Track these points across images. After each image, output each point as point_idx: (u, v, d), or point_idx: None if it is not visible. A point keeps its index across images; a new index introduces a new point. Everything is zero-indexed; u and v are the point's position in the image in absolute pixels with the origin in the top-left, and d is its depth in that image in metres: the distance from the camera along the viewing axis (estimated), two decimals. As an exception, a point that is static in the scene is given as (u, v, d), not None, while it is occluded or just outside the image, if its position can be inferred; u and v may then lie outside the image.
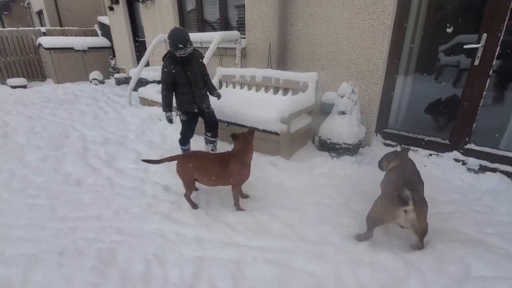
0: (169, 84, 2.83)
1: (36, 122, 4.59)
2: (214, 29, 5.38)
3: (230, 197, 2.43)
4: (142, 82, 5.98)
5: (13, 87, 7.81)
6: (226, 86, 4.17)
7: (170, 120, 3.01)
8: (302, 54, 3.89)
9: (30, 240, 2.06)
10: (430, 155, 3.24)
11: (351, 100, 3.08)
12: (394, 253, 1.87)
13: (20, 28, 8.77)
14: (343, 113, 3.12)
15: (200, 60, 2.94)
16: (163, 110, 2.97)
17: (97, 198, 2.57)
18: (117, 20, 7.95)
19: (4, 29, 8.80)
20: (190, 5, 5.71)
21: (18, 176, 2.95)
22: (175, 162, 2.35)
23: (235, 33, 4.38)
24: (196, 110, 3.00)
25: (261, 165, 3.00)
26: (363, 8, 3.17)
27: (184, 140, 3.15)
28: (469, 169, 2.96)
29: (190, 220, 2.26)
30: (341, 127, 3.12)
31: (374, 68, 3.29)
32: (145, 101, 5.47)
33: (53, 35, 8.82)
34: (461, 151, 3.08)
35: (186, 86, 2.86)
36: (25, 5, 13.95)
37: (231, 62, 4.76)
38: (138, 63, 7.40)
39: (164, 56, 2.85)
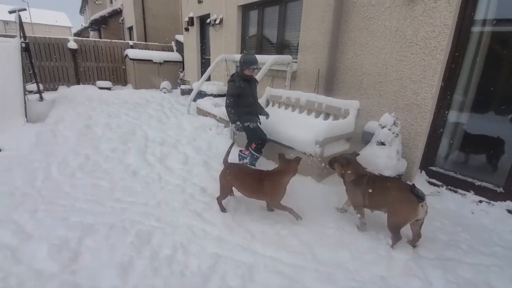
0: (236, 97, 3.28)
1: (113, 119, 5.48)
2: (271, 49, 5.80)
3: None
4: (201, 95, 6.66)
5: (100, 88, 9.39)
6: (272, 106, 4.44)
7: (240, 128, 3.36)
8: (349, 82, 3.97)
9: (90, 213, 2.54)
10: (480, 201, 2.96)
11: (391, 131, 3.04)
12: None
13: (113, 40, 10.59)
14: (382, 144, 3.09)
15: (257, 82, 3.50)
16: (233, 121, 3.34)
17: (146, 188, 3.01)
18: (190, 39, 9.05)
19: (100, 39, 10.71)
20: (252, 28, 6.28)
21: (91, 161, 3.60)
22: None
23: (287, 57, 4.68)
24: (258, 123, 3.42)
25: (291, 183, 3.12)
26: (414, 42, 3.17)
27: (261, 147, 3.44)
28: (525, 224, 2.63)
29: (217, 221, 2.50)
30: (379, 158, 3.08)
31: (423, 102, 3.20)
32: (200, 111, 6.08)
33: (138, 48, 10.40)
34: (517, 202, 2.76)
35: (251, 100, 3.35)
36: (120, 21, 16.72)
37: (281, 83, 5.06)
38: (201, 77, 8.26)
39: (232, 75, 3.35)
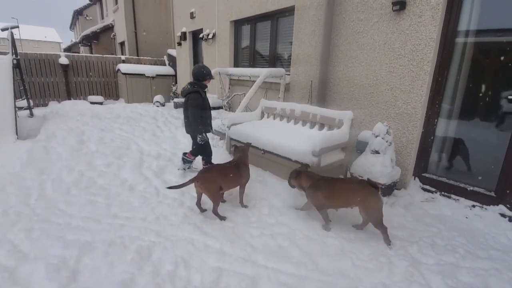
0: (201, 108, 3.45)
1: (106, 134, 5.44)
2: (264, 63, 5.93)
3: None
4: (195, 107, 6.69)
5: (92, 103, 9.32)
6: (268, 117, 4.51)
7: (204, 141, 3.55)
8: (342, 93, 4.09)
9: (87, 230, 2.49)
10: (473, 206, 3.05)
11: (385, 140, 3.13)
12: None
13: (105, 55, 10.61)
14: (377, 152, 3.17)
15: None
16: (200, 133, 3.48)
17: (144, 203, 2.98)
18: (183, 53, 9.16)
19: (92, 55, 10.71)
20: (245, 42, 6.42)
21: (86, 177, 3.55)
22: (198, 182, 2.68)
23: (280, 70, 4.80)
24: (211, 131, 3.67)
25: (290, 195, 3.15)
26: (402, 54, 3.32)
27: (211, 157, 3.69)
28: (517, 227, 2.71)
29: (217, 234, 2.48)
30: (374, 166, 3.15)
31: (413, 111, 3.32)
32: (195, 124, 6.10)
33: (130, 63, 10.45)
34: (508, 205, 2.85)
35: (208, 110, 3.54)
36: (112, 36, 16.80)
37: (275, 95, 5.16)
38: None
39: (193, 86, 3.46)
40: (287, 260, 2.19)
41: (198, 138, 3.50)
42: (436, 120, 3.34)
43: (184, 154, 3.76)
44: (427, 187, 3.47)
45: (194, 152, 3.72)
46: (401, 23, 3.32)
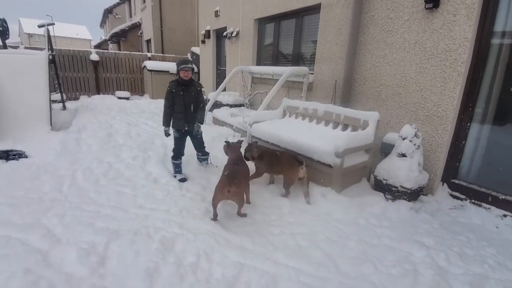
0: (170, 101, 3.36)
1: (132, 128, 5.64)
2: (286, 61, 5.89)
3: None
4: (217, 105, 6.79)
5: (119, 98, 9.70)
6: (289, 116, 4.48)
7: (167, 133, 3.52)
8: (367, 93, 3.98)
9: (115, 218, 2.61)
10: (505, 215, 2.88)
11: (413, 143, 3.02)
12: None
13: (132, 52, 11.01)
14: (403, 155, 3.06)
15: (199, 88, 3.49)
16: (163, 125, 3.47)
17: (167, 195, 3.07)
18: (206, 51, 9.31)
19: (120, 52, 11.15)
20: (268, 40, 6.42)
21: (114, 168, 3.71)
22: (230, 192, 2.55)
23: (303, 69, 4.75)
24: (186, 129, 3.48)
25: (312, 194, 3.12)
26: (434, 54, 3.18)
27: (177, 155, 3.58)
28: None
29: (238, 230, 2.51)
30: (400, 170, 3.05)
31: (444, 114, 3.18)
32: (216, 121, 6.19)
33: (156, 60, 10.76)
34: (547, 218, 2.66)
35: (179, 105, 3.37)
36: (139, 34, 17.39)
37: (297, 94, 5.12)
38: (216, 88, 8.44)
39: (171, 81, 3.41)
40: (307, 260, 2.18)
41: (164, 131, 3.50)
42: (468, 124, 3.18)
43: (197, 154, 3.85)
44: (456, 193, 3.31)
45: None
46: (434, 22, 3.18)
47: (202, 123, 3.61)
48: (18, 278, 1.83)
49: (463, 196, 3.25)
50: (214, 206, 2.65)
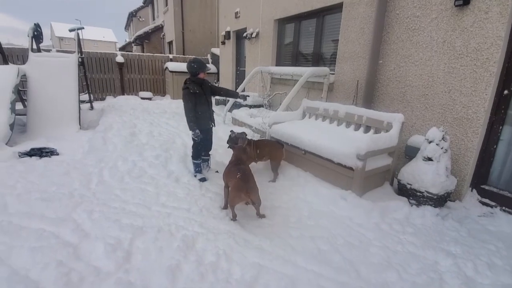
0: (193, 103, 3.35)
1: (154, 128, 5.83)
2: (306, 62, 5.84)
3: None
4: (236, 105, 6.86)
5: (142, 98, 10.05)
6: (309, 117, 4.44)
7: (198, 137, 3.41)
8: (392, 94, 3.86)
9: (139, 215, 2.70)
10: (543, 226, 2.68)
11: (440, 147, 2.89)
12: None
13: (155, 54, 11.34)
14: (429, 159, 2.94)
15: (210, 84, 3.62)
16: (192, 129, 3.35)
17: (188, 194, 3.14)
18: (226, 52, 9.41)
19: (144, 53, 11.51)
20: (288, 41, 6.39)
21: (138, 167, 3.85)
22: (248, 193, 2.59)
23: (324, 70, 4.69)
24: (211, 126, 3.62)
25: (332, 197, 3.08)
26: (464, 53, 3.03)
27: (198, 154, 3.62)
28: None
29: (258, 231, 2.53)
30: (425, 174, 2.94)
31: (474, 117, 3.02)
32: (236, 122, 6.25)
33: (177, 61, 11.03)
34: None
35: (204, 105, 3.43)
36: (161, 36, 17.88)
37: (317, 95, 5.06)
38: (236, 88, 8.51)
39: (185, 83, 3.38)
40: (327, 265, 2.16)
41: (192, 134, 3.43)
42: (501, 127, 3.00)
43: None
44: (486, 200, 3.14)
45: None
46: (464, 20, 3.03)
47: (238, 97, 4.08)
48: (52, 269, 1.94)
49: (493, 203, 3.07)
50: (232, 207, 2.68)
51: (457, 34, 3.10)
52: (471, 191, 3.25)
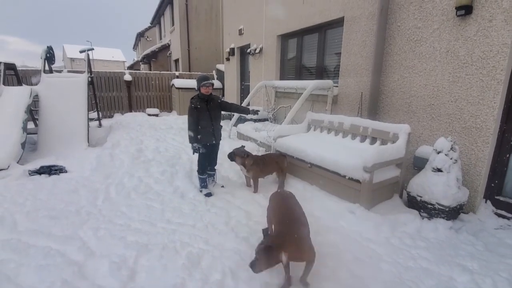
0: (195, 118, 3.39)
1: (161, 144, 5.89)
2: (310, 74, 5.88)
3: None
4: (241, 120, 6.90)
5: (149, 115, 10.22)
6: (314, 130, 4.43)
7: (197, 150, 3.48)
8: (396, 105, 3.84)
9: (144, 232, 2.68)
10: None
11: (449, 157, 2.83)
12: None
13: (162, 72, 11.62)
14: (439, 170, 2.87)
15: (219, 101, 3.59)
16: (191, 142, 3.44)
17: (193, 210, 3.12)
18: (231, 67, 9.60)
19: (151, 71, 11.81)
20: (291, 55, 6.48)
21: (144, 183, 3.86)
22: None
23: (328, 82, 4.71)
24: (214, 142, 3.56)
25: (339, 211, 3.01)
26: (469, 62, 3.01)
27: (204, 169, 3.62)
28: None
29: (264, 247, 2.47)
30: (435, 186, 2.86)
31: (483, 125, 2.96)
32: (241, 136, 6.26)
33: (183, 78, 11.26)
34: None
35: (205, 120, 3.42)
36: (168, 54, 18.40)
37: (322, 107, 5.06)
38: (241, 103, 8.60)
39: (191, 98, 3.46)
40: (336, 282, 2.07)
41: (192, 147, 3.47)
42: (513, 136, 2.93)
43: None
44: (502, 212, 3.02)
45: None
46: (467, 29, 3.03)
47: (248, 113, 3.86)
48: (56, 289, 1.92)
49: (509, 215, 2.96)
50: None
51: (461, 44, 3.10)
52: (485, 202, 3.14)
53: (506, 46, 2.76)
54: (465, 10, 2.97)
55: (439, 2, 3.26)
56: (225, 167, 4.39)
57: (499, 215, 3.02)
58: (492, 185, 3.09)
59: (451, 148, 2.83)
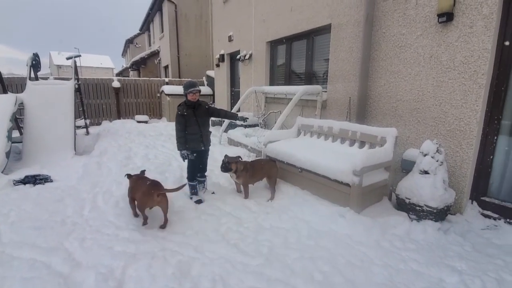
0: (182, 125, 3.40)
1: (150, 151, 5.80)
2: (299, 81, 5.95)
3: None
4: (232, 125, 6.89)
5: (138, 121, 10.08)
6: (304, 135, 4.46)
7: (185, 157, 3.47)
8: (384, 109, 3.91)
9: (133, 242, 2.61)
10: (548, 237, 2.62)
11: (435, 159, 2.89)
12: None
13: (151, 78, 11.55)
14: (426, 172, 2.93)
15: (206, 106, 3.57)
16: (179, 149, 3.46)
17: (183, 218, 3.07)
18: (221, 74, 9.62)
19: (140, 78, 11.72)
20: (280, 61, 6.55)
21: (133, 191, 3.77)
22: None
23: (317, 88, 4.77)
24: (203, 148, 3.53)
25: (330, 215, 3.01)
26: (452, 67, 3.10)
27: (193, 176, 3.61)
28: None
29: (255, 254, 2.44)
30: (423, 188, 2.90)
31: (467, 128, 3.04)
32: (231, 142, 6.25)
33: (173, 84, 11.21)
34: None
35: (192, 127, 3.42)
36: (157, 61, 18.32)
37: (311, 112, 5.11)
38: (231, 108, 8.60)
39: (179, 105, 3.46)
40: (329, 287, 2.07)
41: (180, 154, 3.47)
42: (495, 138, 3.02)
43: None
44: (488, 212, 3.09)
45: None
46: (449, 35, 3.14)
47: (237, 119, 3.79)
48: (39, 303, 1.84)
49: (496, 215, 3.02)
50: None
51: (443, 49, 3.20)
52: (472, 203, 3.21)
53: (486, 51, 2.86)
54: (447, 17, 3.08)
55: (421, 9, 3.37)
56: (216, 174, 4.35)
57: (485, 216, 3.08)
58: (478, 186, 3.16)
59: (437, 151, 2.90)
